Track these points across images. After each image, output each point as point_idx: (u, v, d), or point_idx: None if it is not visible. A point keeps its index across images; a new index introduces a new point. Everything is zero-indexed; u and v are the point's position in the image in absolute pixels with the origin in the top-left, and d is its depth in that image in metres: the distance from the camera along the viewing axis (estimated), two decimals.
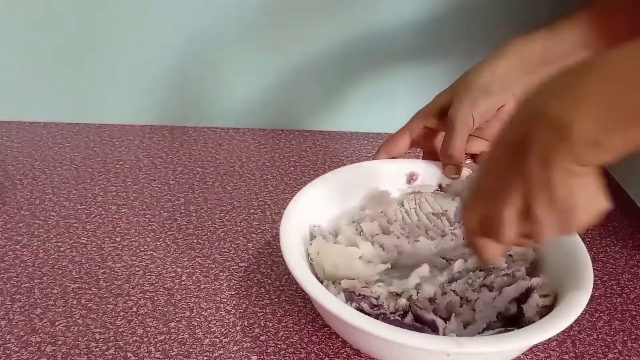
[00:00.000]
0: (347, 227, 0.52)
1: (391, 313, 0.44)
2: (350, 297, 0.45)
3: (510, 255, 0.49)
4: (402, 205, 0.54)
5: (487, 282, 0.46)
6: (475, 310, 0.45)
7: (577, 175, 0.33)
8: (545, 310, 0.42)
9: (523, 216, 0.35)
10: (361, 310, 0.43)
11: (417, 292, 0.45)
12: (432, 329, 0.43)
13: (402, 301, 0.45)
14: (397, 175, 0.55)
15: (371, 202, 0.54)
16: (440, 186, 0.55)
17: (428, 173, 0.55)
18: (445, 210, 0.53)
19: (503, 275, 0.47)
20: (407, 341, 0.38)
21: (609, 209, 0.35)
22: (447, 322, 0.44)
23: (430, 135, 0.57)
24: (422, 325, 0.43)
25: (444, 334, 0.43)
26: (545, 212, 0.34)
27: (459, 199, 0.54)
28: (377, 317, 0.43)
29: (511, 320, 0.44)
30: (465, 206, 0.39)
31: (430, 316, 0.43)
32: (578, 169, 0.33)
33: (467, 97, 0.52)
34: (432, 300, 0.45)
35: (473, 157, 0.56)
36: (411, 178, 0.56)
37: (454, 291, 0.45)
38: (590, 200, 0.35)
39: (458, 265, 0.47)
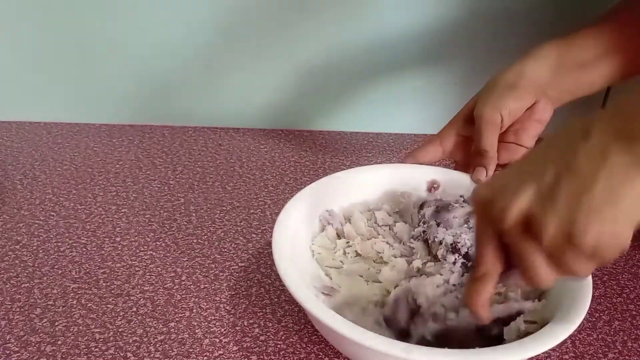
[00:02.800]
0: (359, 214, 0.52)
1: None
2: None
3: None
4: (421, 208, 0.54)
5: None
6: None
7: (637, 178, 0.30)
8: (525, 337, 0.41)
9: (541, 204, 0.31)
10: None
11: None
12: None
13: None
14: (418, 182, 0.54)
15: (390, 200, 0.54)
16: (462, 197, 0.53)
17: (450, 183, 0.53)
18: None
19: (495, 293, 0.45)
20: (361, 339, 0.37)
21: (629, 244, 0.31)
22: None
23: (464, 144, 0.55)
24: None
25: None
26: (566, 199, 0.30)
27: None
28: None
29: (493, 340, 0.43)
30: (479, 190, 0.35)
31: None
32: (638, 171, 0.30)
33: (493, 95, 0.51)
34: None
35: (503, 167, 0.54)
36: (432, 186, 0.54)
37: (443, 305, 0.45)
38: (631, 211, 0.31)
39: (454, 278, 0.46)
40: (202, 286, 0.52)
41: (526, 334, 0.41)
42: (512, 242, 0.34)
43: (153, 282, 0.52)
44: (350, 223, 0.52)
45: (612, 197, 0.30)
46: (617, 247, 0.31)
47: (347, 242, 0.51)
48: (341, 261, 0.50)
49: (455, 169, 0.58)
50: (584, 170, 0.31)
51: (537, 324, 0.43)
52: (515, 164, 0.36)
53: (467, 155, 0.55)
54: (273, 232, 0.46)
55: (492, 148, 0.50)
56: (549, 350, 0.48)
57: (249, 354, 0.46)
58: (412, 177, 0.54)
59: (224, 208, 0.63)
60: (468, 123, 0.54)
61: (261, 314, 0.50)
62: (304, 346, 0.47)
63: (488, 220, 0.34)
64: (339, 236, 0.52)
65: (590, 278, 0.44)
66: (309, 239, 0.51)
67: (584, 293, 0.42)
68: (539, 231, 0.32)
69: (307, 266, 0.49)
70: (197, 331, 0.47)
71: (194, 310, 0.49)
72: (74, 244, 0.56)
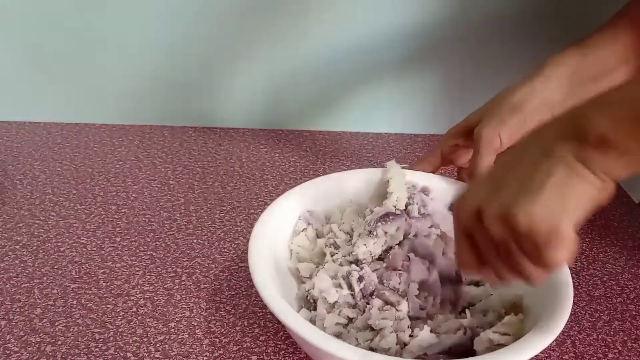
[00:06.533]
0: (338, 211, 0.52)
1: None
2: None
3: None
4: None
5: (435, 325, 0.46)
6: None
7: (579, 176, 0.32)
8: (499, 349, 0.40)
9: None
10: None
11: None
12: None
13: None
14: (410, 188, 0.53)
15: (375, 200, 0.54)
16: (452, 205, 0.53)
17: (442, 189, 0.53)
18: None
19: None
20: (321, 344, 0.37)
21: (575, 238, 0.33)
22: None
23: (460, 152, 0.55)
24: None
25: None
26: (508, 187, 0.33)
27: None
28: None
29: (464, 353, 0.43)
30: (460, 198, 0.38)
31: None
32: (581, 170, 0.32)
33: (496, 116, 0.50)
34: None
35: None
36: (423, 193, 0.54)
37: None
38: (574, 203, 0.33)
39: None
40: (202, 286, 0.52)
41: (498, 345, 0.41)
42: (478, 240, 0.37)
43: (153, 282, 0.52)
44: (329, 224, 0.52)
45: (548, 185, 0.32)
46: (554, 238, 0.32)
47: (328, 239, 0.51)
48: (318, 262, 0.50)
49: (458, 176, 0.57)
50: (528, 164, 0.34)
51: (509, 336, 0.42)
52: (489, 169, 0.38)
53: (461, 162, 0.56)
54: (252, 231, 0.46)
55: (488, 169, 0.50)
56: (549, 350, 0.48)
57: (249, 354, 0.46)
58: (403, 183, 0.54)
59: (224, 208, 0.63)
60: (466, 136, 0.53)
61: (261, 314, 0.50)
62: None
63: (458, 223, 0.38)
64: (318, 236, 0.52)
65: (571, 295, 0.42)
66: (288, 238, 0.51)
67: (562, 310, 0.41)
68: (485, 218, 0.35)
69: (285, 266, 0.49)
70: (197, 331, 0.47)
71: (194, 310, 0.49)
72: (74, 244, 0.56)
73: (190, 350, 0.46)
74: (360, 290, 0.45)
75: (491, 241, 0.35)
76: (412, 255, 0.48)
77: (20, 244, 0.56)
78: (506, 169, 0.35)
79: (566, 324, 0.40)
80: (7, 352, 0.44)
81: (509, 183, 0.34)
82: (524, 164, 0.34)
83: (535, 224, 0.32)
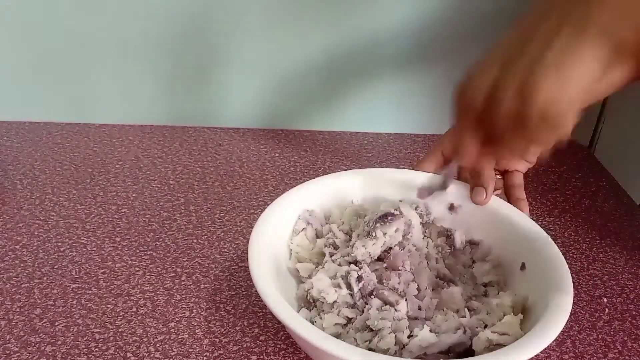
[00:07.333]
0: (338, 211, 0.52)
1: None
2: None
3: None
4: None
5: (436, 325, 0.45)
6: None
7: (584, 32, 0.33)
8: (498, 349, 0.40)
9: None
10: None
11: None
12: None
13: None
14: (408, 188, 0.53)
15: (375, 206, 0.53)
16: (451, 205, 0.53)
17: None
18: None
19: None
20: (322, 344, 0.37)
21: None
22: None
23: None
24: None
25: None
26: (523, 65, 0.34)
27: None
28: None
29: (464, 353, 0.43)
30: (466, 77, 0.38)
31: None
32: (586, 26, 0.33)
33: None
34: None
35: (503, 174, 0.54)
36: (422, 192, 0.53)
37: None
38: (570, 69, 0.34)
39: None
40: (202, 286, 0.52)
41: (497, 345, 0.41)
42: (487, 123, 0.37)
43: (153, 282, 0.52)
44: (329, 224, 0.52)
45: (560, 62, 0.34)
46: (566, 110, 0.34)
47: (327, 239, 0.51)
48: (317, 262, 0.50)
49: (458, 176, 0.57)
50: (541, 41, 0.34)
51: (509, 336, 0.42)
52: (488, 50, 0.38)
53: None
54: (252, 231, 0.46)
55: (488, 169, 0.50)
56: (549, 350, 0.48)
57: (249, 354, 0.46)
58: (404, 183, 0.54)
59: (224, 208, 0.63)
60: None
61: (261, 314, 0.50)
62: None
63: (465, 108, 0.38)
64: (317, 236, 0.52)
65: (571, 295, 0.42)
66: (288, 238, 0.51)
67: (562, 310, 0.41)
68: (501, 95, 0.35)
69: (285, 266, 0.49)
70: (197, 331, 0.47)
71: (194, 310, 0.49)
72: (74, 244, 0.56)
73: (190, 350, 0.46)
74: (359, 290, 0.45)
75: (505, 118, 0.36)
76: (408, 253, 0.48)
77: (20, 244, 0.56)
78: (515, 41, 0.36)
79: (566, 324, 0.40)
80: (7, 352, 0.44)
81: (523, 59, 0.35)
82: (536, 38, 0.35)
83: (551, 104, 0.34)
